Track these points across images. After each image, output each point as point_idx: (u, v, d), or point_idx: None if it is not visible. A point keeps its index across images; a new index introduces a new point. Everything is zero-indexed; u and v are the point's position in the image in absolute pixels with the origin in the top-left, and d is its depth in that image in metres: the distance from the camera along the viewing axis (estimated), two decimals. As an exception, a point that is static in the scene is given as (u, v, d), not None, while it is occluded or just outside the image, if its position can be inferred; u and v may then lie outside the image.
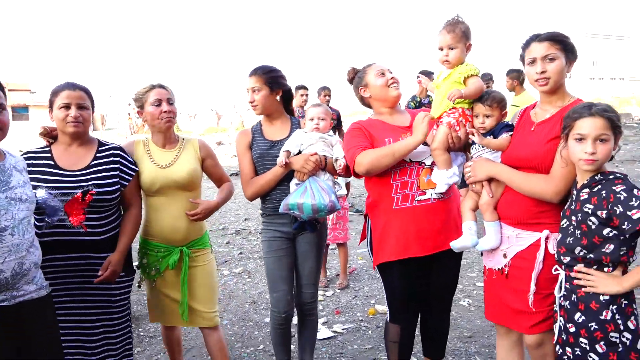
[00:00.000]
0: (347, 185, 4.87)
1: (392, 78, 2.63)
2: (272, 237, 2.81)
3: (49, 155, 2.47)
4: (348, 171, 2.69)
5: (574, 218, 1.96)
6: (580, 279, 1.94)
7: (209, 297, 2.78)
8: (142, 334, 3.89)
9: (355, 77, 2.76)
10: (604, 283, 1.88)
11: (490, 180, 2.33)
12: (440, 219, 2.50)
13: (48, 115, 2.52)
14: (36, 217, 2.30)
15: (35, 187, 2.28)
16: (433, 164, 2.48)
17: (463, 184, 2.58)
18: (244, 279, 5.15)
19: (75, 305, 2.45)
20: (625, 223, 1.79)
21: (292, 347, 3.07)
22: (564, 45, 2.15)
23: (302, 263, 2.85)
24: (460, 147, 2.48)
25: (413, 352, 3.13)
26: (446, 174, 2.41)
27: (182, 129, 31.10)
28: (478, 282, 4.70)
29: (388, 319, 2.73)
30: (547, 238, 2.14)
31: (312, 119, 2.71)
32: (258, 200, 2.90)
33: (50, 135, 2.52)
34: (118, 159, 2.57)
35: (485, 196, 2.34)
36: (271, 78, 2.77)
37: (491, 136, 2.34)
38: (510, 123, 2.38)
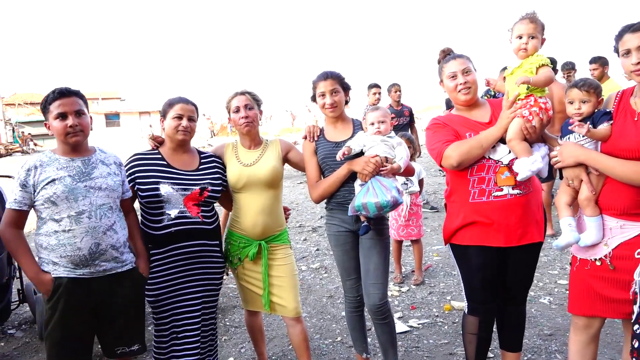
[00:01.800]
0: (420, 182, 4.89)
1: (462, 83, 2.58)
2: (337, 232, 2.94)
3: (160, 156, 2.82)
4: (407, 170, 2.81)
5: None
6: None
7: (289, 289, 2.95)
8: (227, 324, 4.17)
9: (438, 67, 2.75)
10: None
11: (588, 172, 2.28)
12: (516, 214, 2.50)
13: (159, 122, 2.90)
14: (159, 211, 2.71)
15: (157, 183, 2.69)
16: (511, 162, 2.47)
17: (547, 177, 2.53)
18: (320, 274, 5.34)
19: (193, 280, 2.80)
20: None
21: (369, 339, 3.18)
22: None
23: (366, 260, 2.87)
24: (538, 137, 2.45)
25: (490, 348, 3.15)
26: (528, 161, 2.37)
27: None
28: (559, 279, 4.56)
29: (466, 311, 2.77)
30: None
31: (372, 124, 2.78)
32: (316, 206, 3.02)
33: (157, 140, 2.89)
34: (218, 164, 2.95)
35: (585, 191, 2.28)
36: (342, 80, 2.90)
37: (590, 124, 2.27)
38: (608, 110, 2.30)
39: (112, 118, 42.53)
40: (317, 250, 6.22)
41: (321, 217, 8.05)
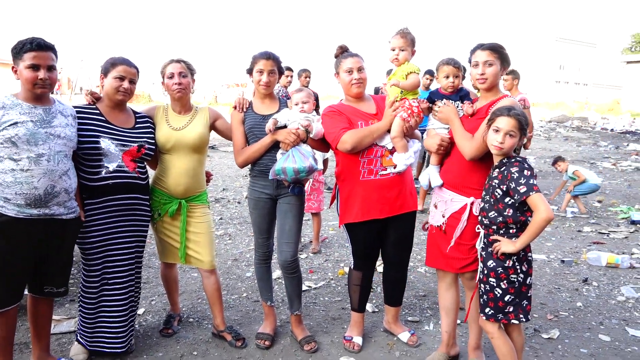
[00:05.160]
0: (325, 162, 5.38)
1: (357, 79, 3.09)
2: (258, 197, 3.27)
3: (99, 112, 2.95)
4: (322, 145, 3.22)
5: (489, 190, 2.62)
6: (495, 243, 2.58)
7: (205, 245, 3.24)
8: (136, 279, 4.34)
9: (336, 60, 3.24)
10: (505, 245, 2.53)
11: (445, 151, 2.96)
12: (397, 189, 3.10)
13: (98, 79, 3.02)
14: (96, 164, 2.86)
15: (97, 137, 2.82)
16: (393, 148, 3.04)
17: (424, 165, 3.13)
18: (225, 240, 5.65)
19: (125, 230, 3.00)
20: (516, 195, 2.46)
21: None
22: (499, 54, 2.74)
23: (282, 222, 3.24)
24: (413, 134, 3.10)
25: (375, 304, 3.71)
26: (404, 157, 3.01)
27: (154, 99, 31.07)
28: (434, 254, 5.33)
29: (352, 266, 3.31)
30: (472, 203, 2.79)
31: (297, 104, 3.17)
32: (235, 172, 3.36)
33: (94, 96, 3.02)
34: (151, 124, 3.14)
35: (434, 159, 3.02)
36: (279, 64, 3.24)
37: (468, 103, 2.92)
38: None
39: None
40: (221, 219, 6.50)
41: (223, 189, 8.30)
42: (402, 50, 3.01)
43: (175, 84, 3.14)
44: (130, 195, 2.96)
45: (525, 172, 2.47)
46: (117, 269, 2.98)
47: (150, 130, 3.11)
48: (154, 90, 32.52)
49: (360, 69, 3.11)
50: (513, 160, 2.54)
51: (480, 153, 2.71)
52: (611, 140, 15.98)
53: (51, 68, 2.57)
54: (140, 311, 3.74)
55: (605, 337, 3.52)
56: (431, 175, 2.99)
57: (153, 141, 3.09)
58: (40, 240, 2.59)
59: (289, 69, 7.44)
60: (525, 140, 2.61)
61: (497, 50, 2.75)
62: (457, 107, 2.92)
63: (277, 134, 3.11)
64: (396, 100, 3.00)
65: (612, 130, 19.03)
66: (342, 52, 3.23)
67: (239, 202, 7.45)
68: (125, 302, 3.01)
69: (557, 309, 3.98)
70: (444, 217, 2.91)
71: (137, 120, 3.09)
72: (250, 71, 3.25)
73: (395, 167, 3.04)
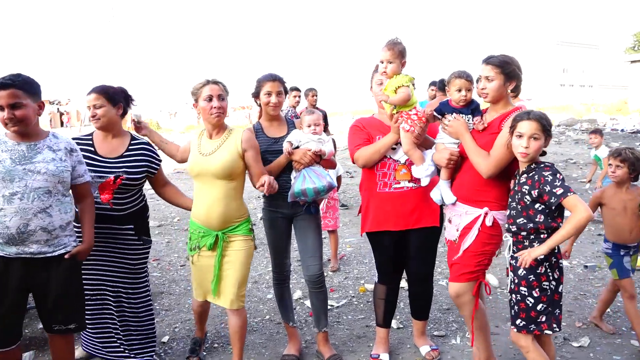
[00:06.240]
0: (338, 179, 5.38)
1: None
2: (273, 217, 3.29)
3: (91, 143, 3.03)
4: (330, 163, 3.30)
5: (516, 197, 2.58)
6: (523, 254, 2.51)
7: (228, 281, 2.99)
8: (157, 307, 4.34)
9: (371, 75, 3.24)
10: (534, 251, 2.46)
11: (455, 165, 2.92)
12: (412, 202, 3.10)
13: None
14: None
15: None
16: (407, 161, 3.06)
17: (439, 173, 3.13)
18: (243, 263, 5.63)
19: (102, 264, 3.02)
20: (552, 198, 2.41)
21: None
22: (502, 69, 2.69)
23: (303, 238, 3.25)
24: (425, 141, 3.04)
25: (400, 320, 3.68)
26: (423, 168, 2.98)
27: (162, 127, 31.35)
28: (454, 266, 5.28)
29: (376, 280, 3.32)
30: (485, 214, 2.75)
31: (309, 126, 3.17)
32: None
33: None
34: (146, 152, 3.13)
35: (444, 174, 2.96)
36: (284, 83, 3.27)
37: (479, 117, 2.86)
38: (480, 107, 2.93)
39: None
40: (237, 242, 6.50)
41: (237, 212, 8.31)
42: (390, 63, 2.96)
43: (215, 107, 2.90)
44: (102, 225, 2.94)
45: (558, 175, 2.45)
46: (101, 301, 3.03)
47: (141, 158, 3.09)
48: (162, 118, 32.90)
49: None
50: (542, 165, 2.52)
51: (498, 170, 2.66)
52: (622, 140, 15.84)
53: (15, 106, 2.44)
54: (164, 339, 3.73)
55: (637, 342, 3.45)
56: (443, 191, 2.94)
57: (139, 169, 3.07)
58: (23, 278, 2.52)
59: (297, 89, 7.51)
60: (549, 142, 2.56)
61: (499, 66, 2.70)
62: (468, 120, 2.87)
63: (293, 154, 3.13)
64: (393, 113, 2.99)
65: (622, 130, 18.86)
66: (377, 67, 3.23)
67: (253, 224, 7.44)
68: (118, 328, 3.05)
69: (585, 315, 3.92)
70: (457, 230, 2.86)
71: (129, 147, 3.09)
72: (256, 94, 3.25)
73: (409, 180, 3.07)
